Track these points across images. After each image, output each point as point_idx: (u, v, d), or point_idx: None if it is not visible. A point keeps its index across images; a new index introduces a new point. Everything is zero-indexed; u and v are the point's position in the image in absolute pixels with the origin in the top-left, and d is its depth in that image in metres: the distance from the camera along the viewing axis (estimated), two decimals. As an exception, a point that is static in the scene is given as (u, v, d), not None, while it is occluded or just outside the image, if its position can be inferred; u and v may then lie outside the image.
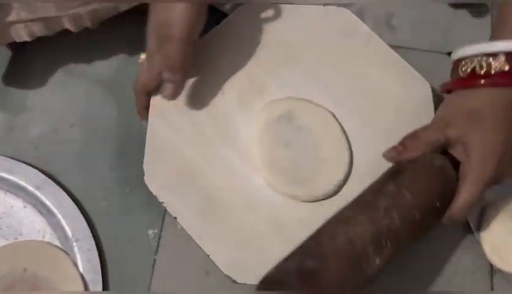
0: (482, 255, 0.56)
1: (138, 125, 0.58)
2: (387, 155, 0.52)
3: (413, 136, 0.52)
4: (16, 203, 0.58)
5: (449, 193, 0.50)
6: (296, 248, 0.46)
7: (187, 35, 0.51)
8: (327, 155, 0.56)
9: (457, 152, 0.51)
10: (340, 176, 0.55)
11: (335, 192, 0.55)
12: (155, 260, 0.55)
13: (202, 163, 0.55)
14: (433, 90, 0.59)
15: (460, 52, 0.51)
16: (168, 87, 0.53)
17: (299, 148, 0.56)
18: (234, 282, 0.51)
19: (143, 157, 0.55)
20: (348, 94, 0.59)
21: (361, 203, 0.49)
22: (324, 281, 0.44)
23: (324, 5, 0.62)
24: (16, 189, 0.58)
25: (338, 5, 0.62)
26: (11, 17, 0.55)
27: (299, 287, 0.43)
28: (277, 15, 0.62)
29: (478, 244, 0.57)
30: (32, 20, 0.55)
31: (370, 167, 0.53)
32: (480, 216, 0.58)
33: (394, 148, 0.52)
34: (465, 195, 0.49)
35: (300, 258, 0.45)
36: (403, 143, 0.52)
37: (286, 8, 0.62)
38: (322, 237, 0.46)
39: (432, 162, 0.50)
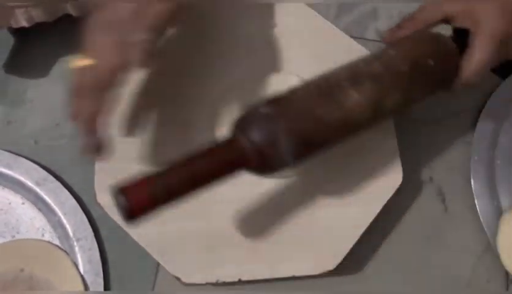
0: (498, 263, 0.55)
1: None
2: (383, 38, 0.53)
3: (409, 17, 0.53)
4: (14, 199, 0.55)
5: (444, 55, 0.50)
6: None
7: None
8: None
9: (462, 22, 0.51)
10: None
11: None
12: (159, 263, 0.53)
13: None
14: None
15: None
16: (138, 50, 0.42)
17: None
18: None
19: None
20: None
21: (344, 65, 0.48)
22: (293, 105, 0.44)
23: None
24: (14, 185, 0.55)
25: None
26: (12, 2, 0.52)
27: (269, 112, 0.43)
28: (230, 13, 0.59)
29: (493, 251, 0.55)
30: (32, 5, 0.53)
31: None
32: (496, 222, 0.56)
33: (389, 29, 0.53)
34: (479, 51, 0.49)
35: (273, 94, 0.46)
36: (399, 24, 0.53)
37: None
38: (300, 83, 0.47)
39: (424, 31, 0.51)
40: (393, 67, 0.47)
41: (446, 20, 0.52)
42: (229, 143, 0.43)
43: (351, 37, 0.59)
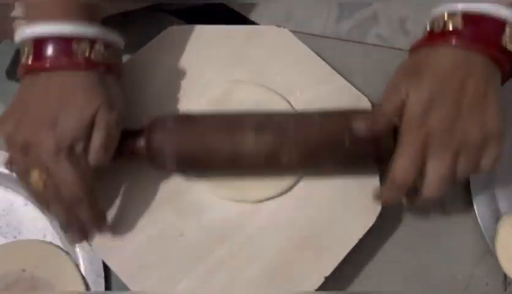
0: (497, 266, 0.55)
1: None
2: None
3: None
4: (16, 200, 0.56)
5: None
6: None
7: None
8: None
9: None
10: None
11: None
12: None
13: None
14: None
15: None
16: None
17: None
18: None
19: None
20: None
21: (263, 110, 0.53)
22: (194, 132, 0.50)
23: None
24: (16, 185, 0.55)
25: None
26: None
27: (172, 129, 0.50)
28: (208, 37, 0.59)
29: (492, 254, 0.56)
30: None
31: None
32: (495, 225, 0.56)
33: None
34: (398, 154, 0.47)
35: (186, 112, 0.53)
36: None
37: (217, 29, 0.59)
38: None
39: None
40: (304, 131, 0.50)
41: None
42: (136, 133, 0.50)
43: (351, 41, 0.59)
